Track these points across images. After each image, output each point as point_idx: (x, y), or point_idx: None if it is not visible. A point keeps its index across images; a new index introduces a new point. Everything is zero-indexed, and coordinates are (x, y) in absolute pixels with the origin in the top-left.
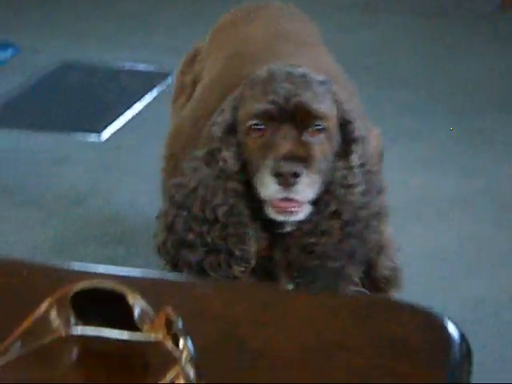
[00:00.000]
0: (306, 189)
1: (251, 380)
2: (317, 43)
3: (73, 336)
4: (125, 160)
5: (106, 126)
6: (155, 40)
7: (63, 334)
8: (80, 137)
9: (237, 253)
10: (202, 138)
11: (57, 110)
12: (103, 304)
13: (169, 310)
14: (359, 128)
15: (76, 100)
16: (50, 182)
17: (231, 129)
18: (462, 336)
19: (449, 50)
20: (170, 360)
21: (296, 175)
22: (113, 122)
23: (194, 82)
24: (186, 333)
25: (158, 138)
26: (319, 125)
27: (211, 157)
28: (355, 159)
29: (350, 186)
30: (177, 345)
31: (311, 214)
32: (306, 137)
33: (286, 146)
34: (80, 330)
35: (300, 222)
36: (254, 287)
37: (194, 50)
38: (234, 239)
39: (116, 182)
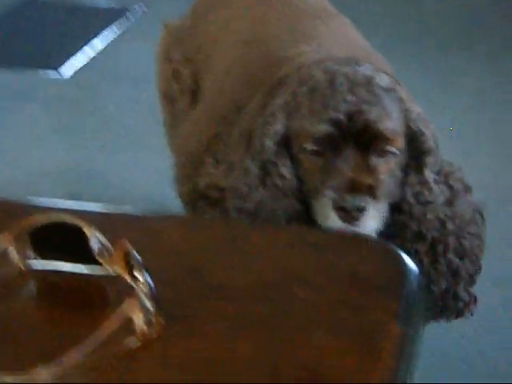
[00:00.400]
0: (372, 221)
1: (210, 312)
2: (335, 11)
3: (31, 270)
4: (85, 97)
5: (64, 62)
6: None
7: (22, 268)
8: (39, 73)
9: None
10: (253, 148)
11: (16, 46)
12: (61, 239)
13: (126, 243)
14: (430, 138)
15: (35, 37)
16: (9, 118)
17: (285, 140)
18: (417, 269)
19: None
20: (129, 293)
21: (361, 210)
22: (72, 57)
23: (195, 76)
24: (144, 266)
25: (118, 77)
26: (388, 148)
27: (265, 173)
28: (429, 173)
29: (428, 203)
30: (135, 278)
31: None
32: (373, 159)
33: (349, 173)
34: (38, 264)
35: None
36: (214, 221)
37: (172, 33)
38: None
39: (76, 120)
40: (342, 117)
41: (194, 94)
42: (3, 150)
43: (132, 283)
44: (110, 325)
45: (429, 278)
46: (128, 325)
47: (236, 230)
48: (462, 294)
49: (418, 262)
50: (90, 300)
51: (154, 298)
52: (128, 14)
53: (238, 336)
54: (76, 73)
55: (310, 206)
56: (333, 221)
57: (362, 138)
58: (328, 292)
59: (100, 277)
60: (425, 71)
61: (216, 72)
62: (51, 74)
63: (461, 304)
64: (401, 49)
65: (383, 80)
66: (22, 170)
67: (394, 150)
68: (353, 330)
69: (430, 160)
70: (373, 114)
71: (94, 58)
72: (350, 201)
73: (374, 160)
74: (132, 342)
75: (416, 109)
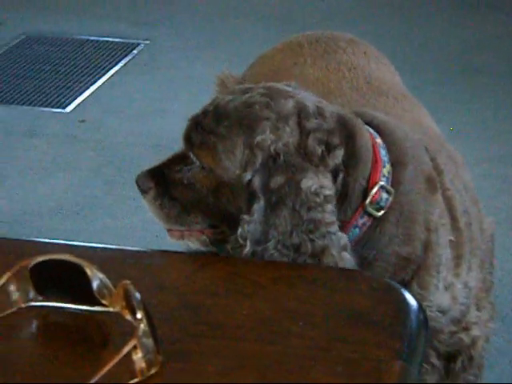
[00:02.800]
0: None
1: (207, 350)
2: (414, 100)
3: (32, 308)
4: (89, 132)
5: (71, 99)
6: (120, 12)
7: (23, 306)
8: (45, 110)
9: None
10: None
11: (22, 83)
12: (62, 278)
13: (127, 282)
14: None
15: (41, 73)
16: (14, 154)
17: None
18: (419, 307)
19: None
20: (129, 332)
21: None
22: (78, 95)
23: None
24: (144, 305)
25: (121, 112)
26: None
27: None
28: None
29: None
30: (135, 317)
31: None
32: None
33: None
34: (39, 302)
35: None
36: (213, 259)
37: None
38: None
39: (79, 155)
40: None
41: None
42: (8, 185)
43: (132, 321)
44: (111, 365)
45: None
46: (128, 362)
47: (236, 269)
48: None
49: None
50: (91, 338)
51: (153, 336)
52: (132, 48)
53: (234, 375)
54: (80, 108)
55: None
56: None
57: None
58: (327, 329)
59: (100, 314)
60: None
61: None
62: (57, 110)
63: None
64: None
65: None
66: (27, 206)
67: None
68: (353, 368)
69: None
70: None
71: (98, 92)
72: None
73: None
74: (131, 379)
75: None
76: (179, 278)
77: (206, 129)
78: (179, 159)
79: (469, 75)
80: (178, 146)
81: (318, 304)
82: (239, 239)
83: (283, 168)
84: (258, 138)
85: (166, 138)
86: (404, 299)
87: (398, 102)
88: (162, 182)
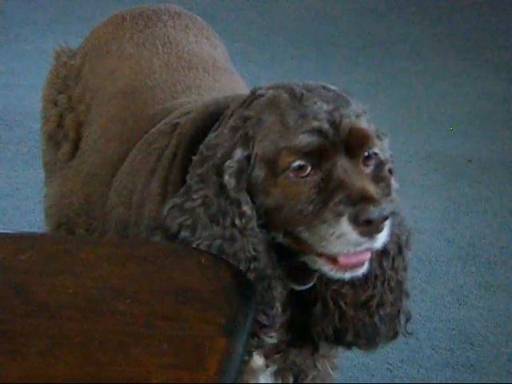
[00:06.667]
0: (387, 233)
1: (33, 330)
2: (229, 69)
3: None
4: None
5: None
6: None
7: None
8: None
9: (262, 320)
10: (185, 189)
11: None
12: None
13: None
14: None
15: None
16: None
17: (244, 170)
18: (247, 283)
19: None
20: None
21: (386, 219)
22: None
23: (78, 125)
24: None
25: None
26: (373, 151)
27: (221, 214)
28: (394, 183)
29: (396, 215)
30: None
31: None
32: (364, 168)
33: (357, 183)
34: None
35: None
36: (40, 237)
37: (61, 66)
38: (260, 306)
39: None
40: (325, 124)
41: (75, 145)
42: None
43: None
44: None
45: (389, 301)
46: None
47: (65, 246)
48: (407, 313)
49: (383, 282)
50: None
51: None
52: None
53: (56, 354)
54: None
55: (301, 233)
56: (350, 240)
57: (351, 142)
58: (153, 306)
59: None
60: None
61: (93, 127)
62: None
63: (398, 324)
64: None
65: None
66: None
67: (377, 152)
68: (178, 346)
69: (392, 169)
70: (351, 115)
71: None
72: (376, 211)
73: (365, 168)
74: None
75: None
76: (6, 257)
77: None
78: None
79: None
80: (26, 120)
81: (145, 282)
82: None
83: None
84: None
85: (14, 113)
86: (231, 275)
87: (208, 74)
88: None
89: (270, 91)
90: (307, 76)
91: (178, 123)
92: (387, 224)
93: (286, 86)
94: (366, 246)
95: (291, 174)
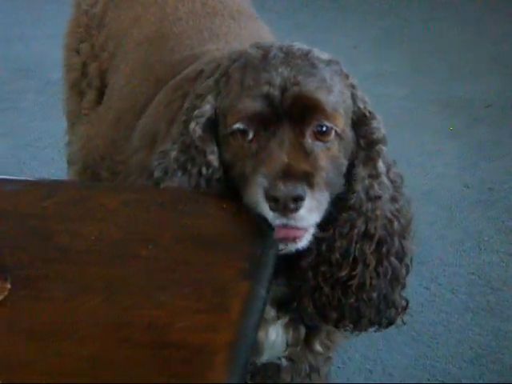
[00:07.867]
0: (311, 214)
1: (56, 275)
2: (253, 15)
3: None
4: None
5: None
6: None
7: None
8: None
9: None
10: (170, 136)
11: None
12: None
13: None
14: (381, 123)
15: None
16: None
17: (213, 122)
18: (269, 226)
19: None
20: None
21: (298, 199)
22: None
23: (102, 73)
24: None
25: None
26: (327, 124)
27: (190, 162)
28: (381, 165)
29: (377, 198)
30: None
31: (330, 238)
32: (310, 141)
33: (283, 157)
34: None
35: (318, 250)
36: (64, 184)
37: (82, 14)
38: None
39: None
40: (274, 91)
41: (100, 93)
42: None
43: None
44: None
45: (369, 284)
46: None
47: (87, 193)
48: (397, 301)
49: (364, 265)
50: None
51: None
52: None
53: (80, 299)
54: None
55: (242, 194)
56: (266, 213)
57: (297, 112)
58: (175, 251)
59: None
60: None
61: (119, 74)
62: None
63: (393, 311)
64: None
65: (323, 53)
66: None
67: (334, 127)
68: (200, 289)
69: (383, 149)
70: (309, 84)
71: None
72: (283, 190)
73: (313, 142)
74: None
75: (361, 92)
76: (28, 204)
77: None
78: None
79: None
80: (43, 70)
81: (167, 227)
82: None
83: None
84: None
85: (30, 63)
86: (252, 220)
87: (234, 20)
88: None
89: (255, 50)
90: (321, 26)
91: (203, 70)
92: (304, 205)
93: (268, 47)
94: (278, 221)
95: (238, 136)
